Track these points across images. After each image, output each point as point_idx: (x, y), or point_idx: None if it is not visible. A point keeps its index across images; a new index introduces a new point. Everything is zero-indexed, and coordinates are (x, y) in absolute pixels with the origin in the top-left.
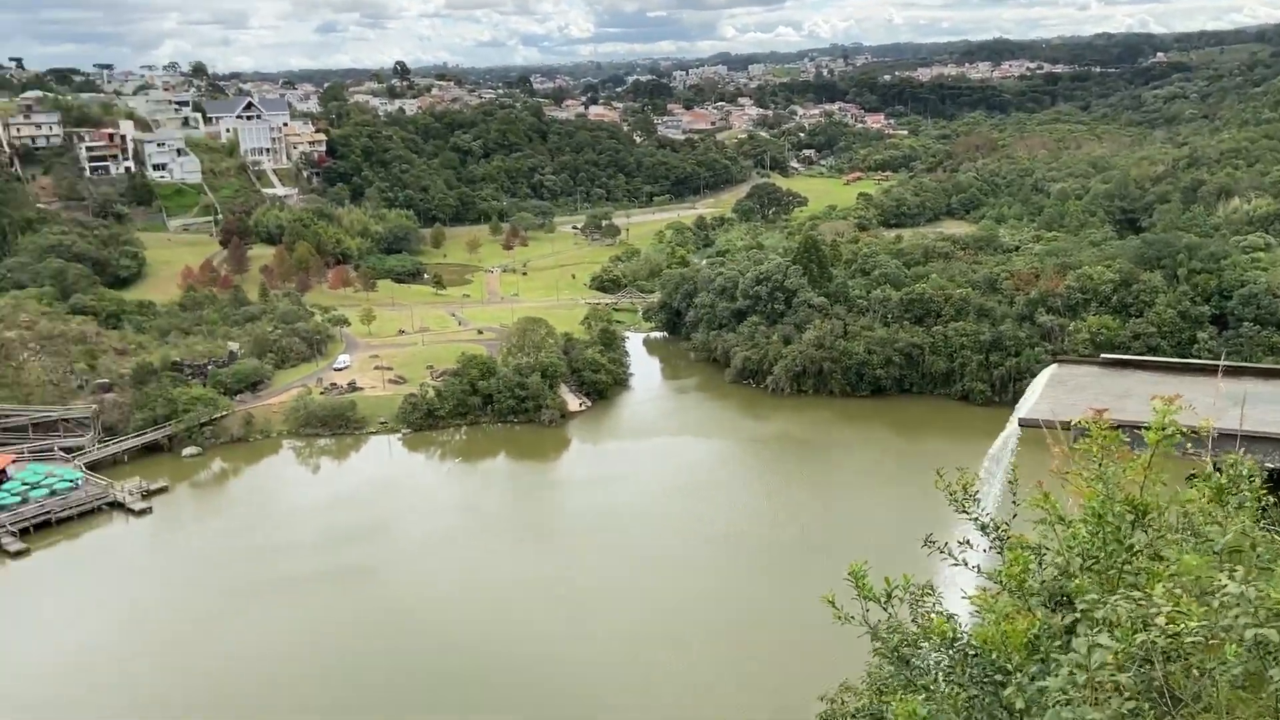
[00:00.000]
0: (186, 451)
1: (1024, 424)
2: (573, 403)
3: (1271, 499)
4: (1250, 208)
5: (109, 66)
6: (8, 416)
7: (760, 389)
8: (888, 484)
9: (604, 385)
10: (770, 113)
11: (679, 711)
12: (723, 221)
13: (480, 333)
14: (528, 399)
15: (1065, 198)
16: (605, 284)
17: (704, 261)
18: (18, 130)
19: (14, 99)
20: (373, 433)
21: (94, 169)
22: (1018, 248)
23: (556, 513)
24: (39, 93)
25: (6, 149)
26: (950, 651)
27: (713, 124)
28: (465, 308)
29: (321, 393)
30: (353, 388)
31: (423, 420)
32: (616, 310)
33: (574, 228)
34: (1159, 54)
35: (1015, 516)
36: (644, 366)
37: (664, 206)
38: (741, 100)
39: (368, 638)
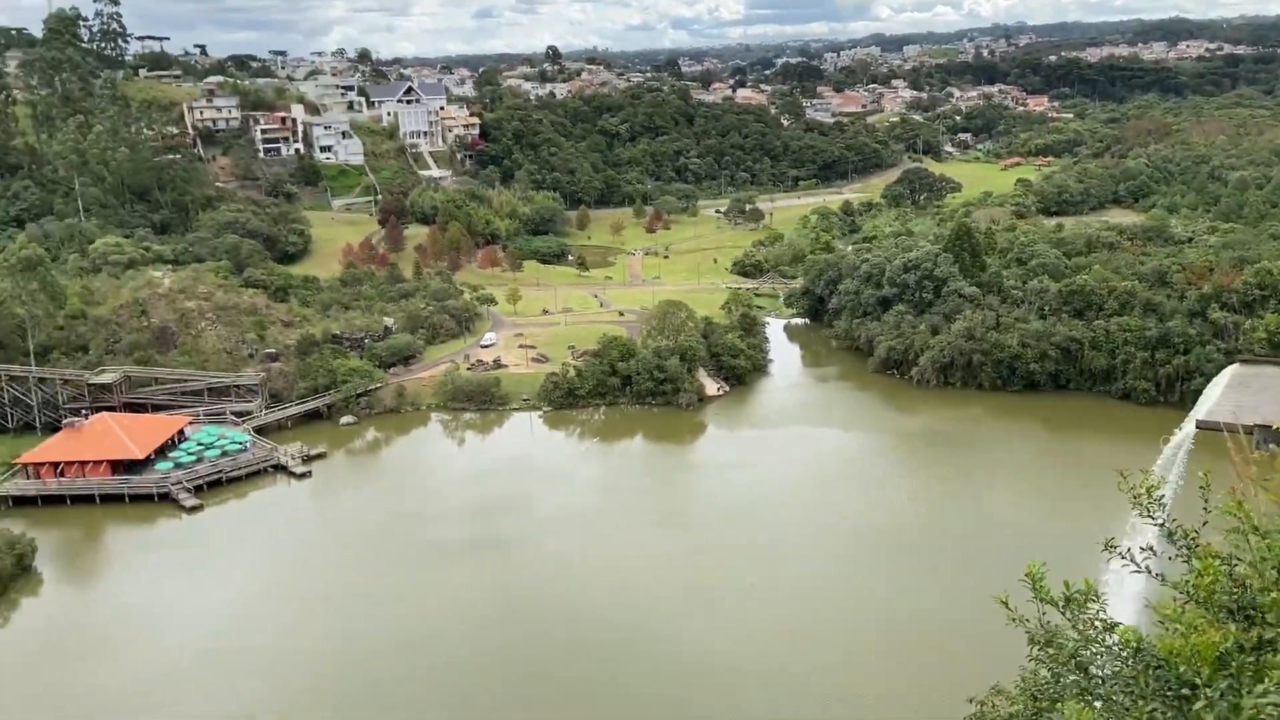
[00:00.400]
0: (343, 420)
1: (1202, 426)
2: (711, 387)
3: None
4: None
5: (283, 53)
6: (186, 381)
7: (904, 380)
8: (1040, 484)
9: (743, 370)
10: (925, 95)
11: (814, 709)
12: (870, 207)
13: (621, 314)
14: (666, 382)
15: (1245, 187)
16: (747, 269)
17: (849, 247)
18: (201, 113)
19: (198, 84)
20: (515, 409)
21: (267, 150)
22: (1190, 239)
23: (691, 496)
24: (220, 78)
25: (191, 131)
26: (1132, 661)
27: (863, 107)
28: (607, 289)
29: (468, 369)
30: (497, 365)
31: (563, 399)
32: (758, 295)
33: (717, 211)
34: None
35: (1205, 524)
36: (784, 353)
37: (810, 191)
38: (895, 82)
39: (505, 607)
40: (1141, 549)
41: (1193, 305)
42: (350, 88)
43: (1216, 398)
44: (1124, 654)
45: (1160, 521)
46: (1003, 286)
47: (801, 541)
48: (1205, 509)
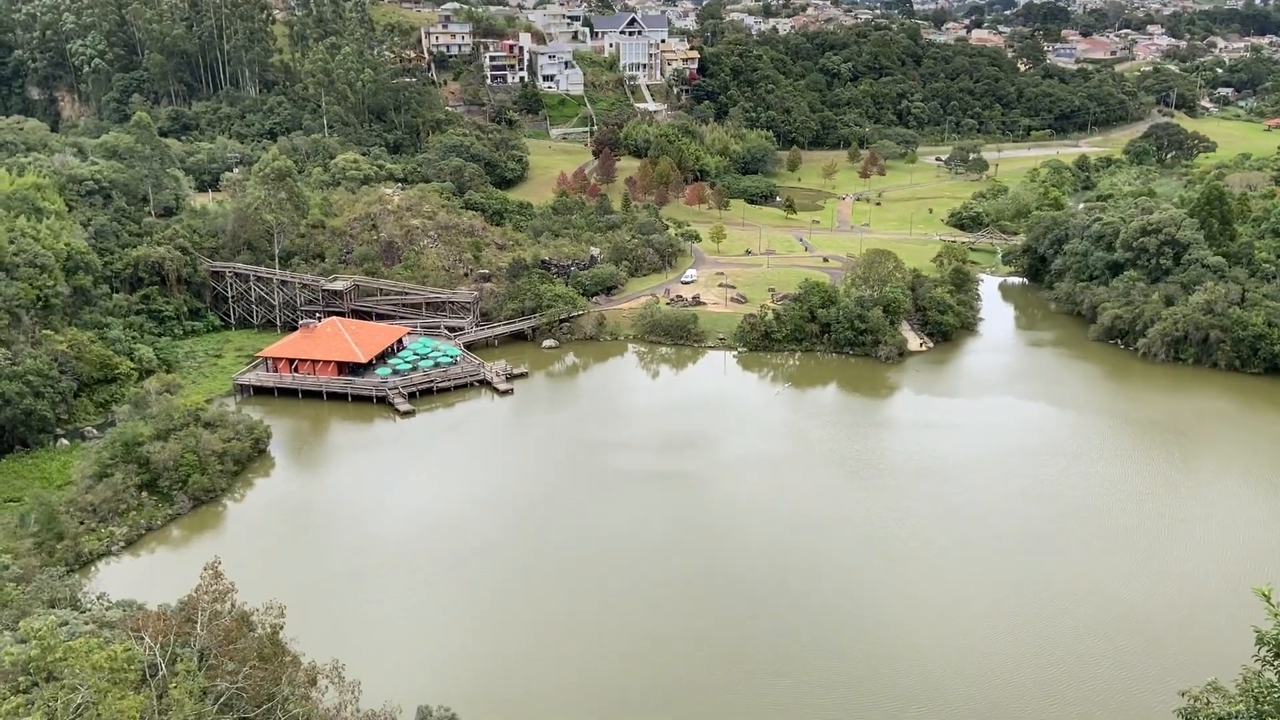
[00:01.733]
0: (546, 343)
1: None
2: (913, 341)
3: None
4: None
5: None
6: (408, 294)
7: (1129, 352)
8: (1275, 476)
9: (949, 327)
10: (1183, 44)
11: (1002, 686)
12: (1109, 163)
13: (826, 260)
14: (866, 332)
15: None
16: (964, 221)
17: (1081, 205)
18: (436, 39)
19: (435, 10)
20: (710, 347)
21: (494, 77)
22: None
23: (882, 452)
24: (455, 4)
25: (426, 55)
26: None
27: (1112, 53)
28: (813, 233)
29: (668, 303)
30: (696, 302)
31: (759, 341)
32: (973, 250)
33: (937, 159)
34: None
35: None
36: (996, 313)
37: (1042, 142)
38: (1150, 28)
39: (684, 542)
40: None
41: None
42: (576, 18)
43: None
44: None
45: None
46: (1253, 259)
47: (998, 512)
48: None
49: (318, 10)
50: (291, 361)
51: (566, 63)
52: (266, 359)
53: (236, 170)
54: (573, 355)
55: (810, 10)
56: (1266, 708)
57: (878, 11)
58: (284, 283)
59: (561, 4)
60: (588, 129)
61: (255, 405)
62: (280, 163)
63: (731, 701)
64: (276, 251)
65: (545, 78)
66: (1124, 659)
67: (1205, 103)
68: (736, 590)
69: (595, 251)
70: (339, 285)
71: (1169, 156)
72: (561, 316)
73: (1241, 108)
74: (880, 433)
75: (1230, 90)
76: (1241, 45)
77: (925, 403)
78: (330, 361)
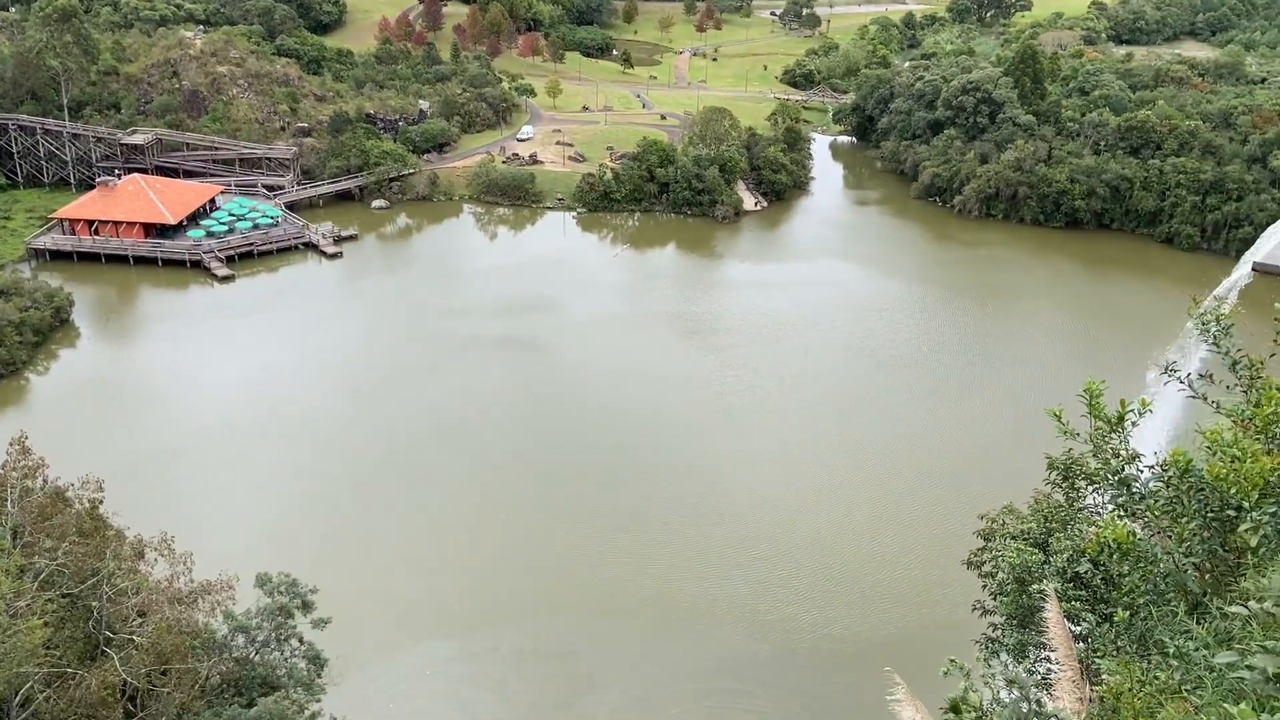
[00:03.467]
0: (375, 204)
1: (1258, 269)
2: (749, 201)
3: None
4: None
5: None
6: (218, 149)
7: (946, 209)
8: (1077, 321)
9: (783, 186)
10: None
11: (832, 525)
12: (934, 21)
13: (663, 118)
14: (704, 192)
15: None
16: (797, 79)
17: (906, 64)
18: None
19: None
20: (549, 208)
21: None
22: (1264, 80)
23: (719, 311)
24: None
25: None
26: (1177, 482)
27: None
28: (650, 90)
29: (504, 162)
30: (533, 160)
31: (598, 201)
32: (805, 109)
33: (772, 14)
34: None
35: (1274, 356)
36: (827, 171)
37: (874, 0)
38: None
39: (530, 403)
40: (1201, 376)
41: (1254, 150)
42: None
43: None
44: (1168, 475)
45: (1225, 350)
46: (1060, 117)
47: (827, 363)
48: (1277, 343)
49: None
50: (91, 223)
51: None
52: (62, 220)
53: (12, 9)
54: (405, 216)
55: None
56: (1053, 525)
57: None
58: (76, 136)
59: None
60: None
61: (53, 271)
62: (63, 1)
63: (575, 556)
64: (65, 101)
65: None
66: (936, 493)
67: None
68: (579, 450)
69: (424, 105)
70: (139, 139)
71: (989, 15)
72: (391, 175)
73: None
74: (717, 294)
75: None
76: None
77: (761, 262)
78: (135, 223)
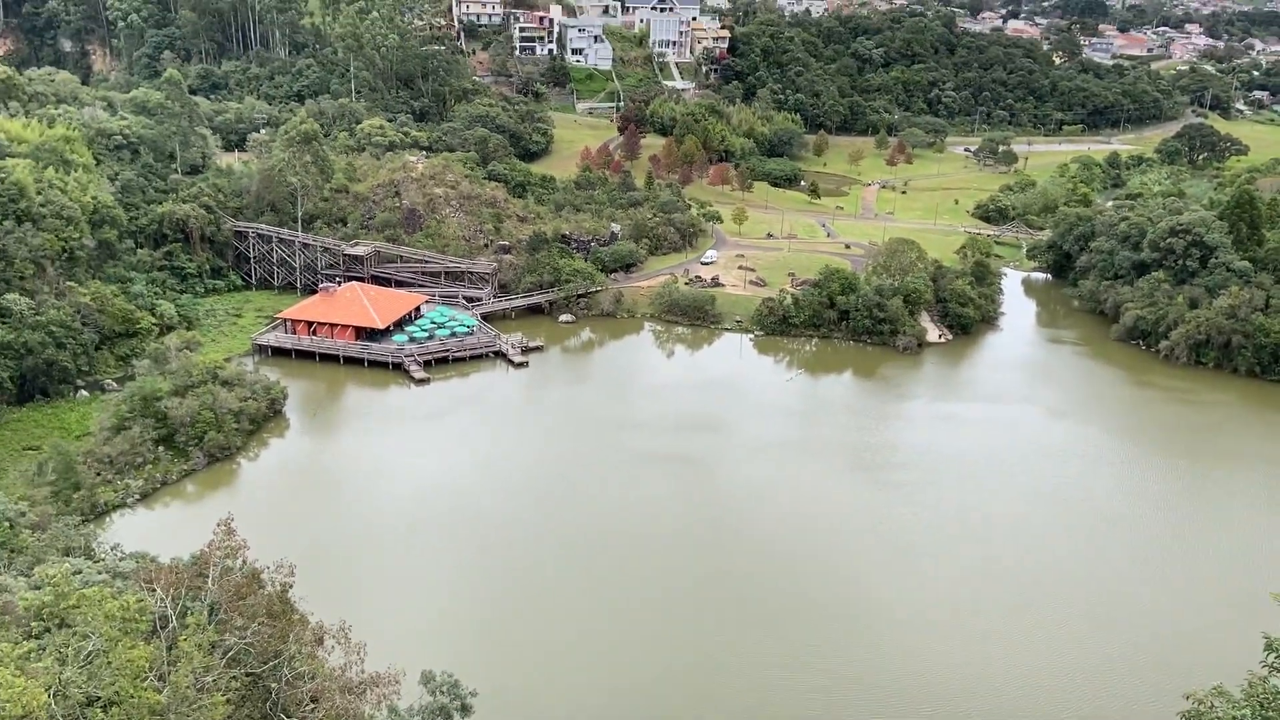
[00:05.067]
0: (563, 318)
1: None
2: (932, 333)
3: None
4: None
5: None
6: (427, 262)
7: (1150, 353)
8: None
9: (970, 320)
10: (1221, 44)
11: (1012, 688)
12: (1140, 161)
13: (848, 247)
14: (885, 321)
15: None
16: (990, 214)
17: (1109, 203)
18: (467, 8)
19: None
20: (727, 329)
21: (523, 48)
22: None
23: (894, 445)
24: None
25: (456, 24)
26: None
27: (1149, 50)
28: (836, 219)
29: (686, 283)
30: (715, 283)
31: (776, 325)
32: (998, 243)
33: (966, 150)
34: None
35: None
36: (1018, 308)
37: (1073, 137)
38: (1188, 27)
39: (693, 523)
40: None
41: None
42: None
43: None
44: None
45: None
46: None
47: (1012, 513)
48: None
49: None
50: (310, 324)
51: (596, 37)
52: (285, 320)
53: (263, 131)
54: (589, 331)
55: None
56: (1271, 714)
57: None
58: (306, 245)
59: None
60: (614, 105)
61: (272, 366)
62: (307, 125)
63: (736, 687)
64: (300, 214)
65: (574, 51)
66: (1134, 663)
67: (1240, 105)
68: (743, 579)
69: (616, 228)
70: (360, 250)
71: (1200, 158)
72: (579, 291)
73: (1276, 111)
74: (894, 425)
75: (1265, 93)
76: (1279, 48)
77: (941, 396)
78: (348, 326)
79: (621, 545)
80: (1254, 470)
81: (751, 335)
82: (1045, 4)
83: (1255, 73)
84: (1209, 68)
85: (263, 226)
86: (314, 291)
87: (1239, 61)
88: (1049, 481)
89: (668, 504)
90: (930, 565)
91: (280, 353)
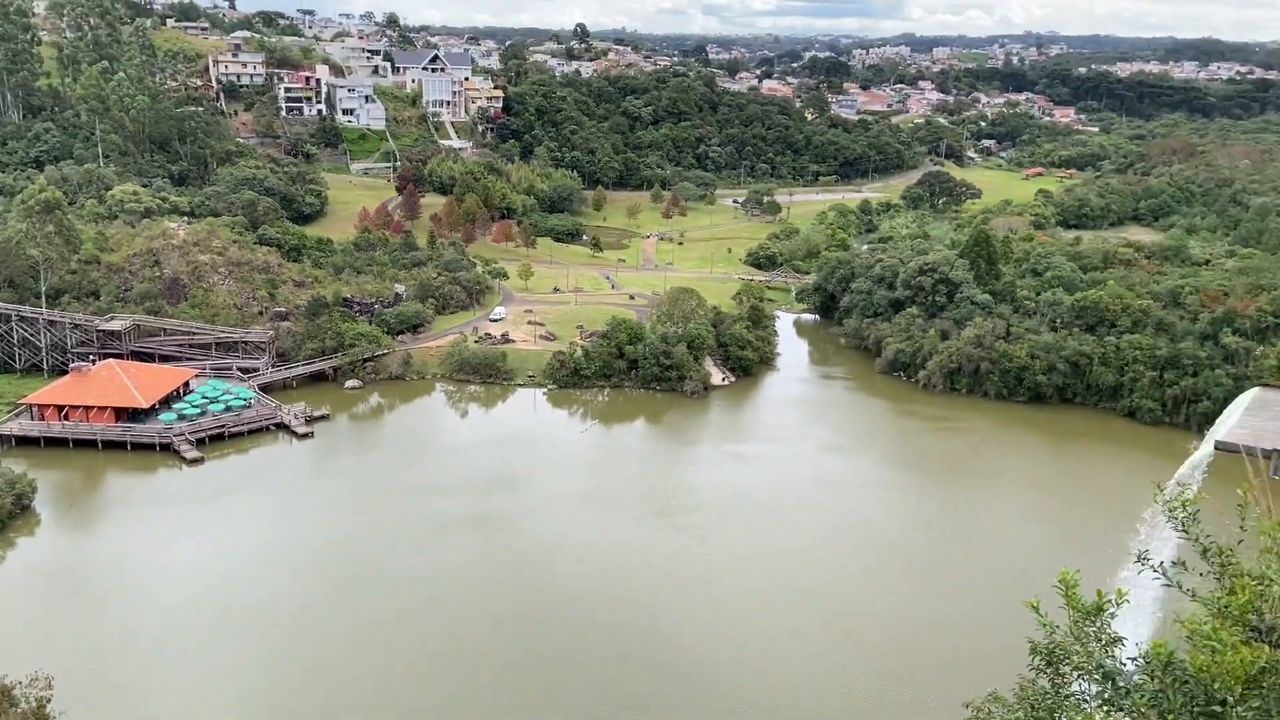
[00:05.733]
0: (349, 384)
1: (1220, 448)
2: (716, 377)
3: None
4: None
5: (310, 12)
6: (195, 334)
7: (910, 383)
8: (1046, 497)
9: (749, 362)
10: (951, 99)
11: (803, 703)
12: (889, 207)
13: (632, 298)
14: (672, 368)
15: (1266, 213)
16: (761, 261)
17: (865, 246)
18: (225, 68)
19: (224, 38)
20: (520, 385)
21: (289, 109)
22: (1207, 262)
23: (690, 487)
24: (246, 34)
25: (214, 84)
26: (1161, 675)
27: (889, 106)
28: (620, 271)
29: (476, 341)
30: (505, 339)
31: (568, 378)
32: (770, 288)
33: (734, 201)
34: None
35: (1241, 542)
36: (792, 348)
37: (829, 187)
38: (922, 84)
39: (499, 584)
40: (1174, 563)
41: (1205, 328)
42: (376, 52)
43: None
44: (1152, 667)
45: (1195, 537)
46: (1016, 296)
47: (801, 543)
48: (1242, 529)
49: (93, 34)
50: (61, 408)
51: (367, 97)
52: (31, 406)
53: None
54: (378, 396)
55: (611, 55)
56: (1041, 714)
57: (675, 59)
58: (52, 323)
59: (360, 38)
60: (390, 164)
61: (18, 457)
62: (48, 193)
63: None
64: (43, 289)
65: (345, 111)
66: (918, 677)
67: (971, 153)
68: (549, 630)
69: (400, 289)
70: (116, 325)
71: (941, 202)
72: (365, 356)
73: (1003, 158)
74: (686, 468)
75: (993, 142)
76: (1001, 101)
77: (729, 438)
78: (106, 407)
79: (421, 612)
80: (1010, 487)
81: (544, 389)
82: (795, 65)
83: (982, 123)
84: (942, 120)
85: None
86: (64, 372)
87: (967, 114)
88: (830, 512)
89: (472, 567)
90: (726, 599)
91: (27, 442)
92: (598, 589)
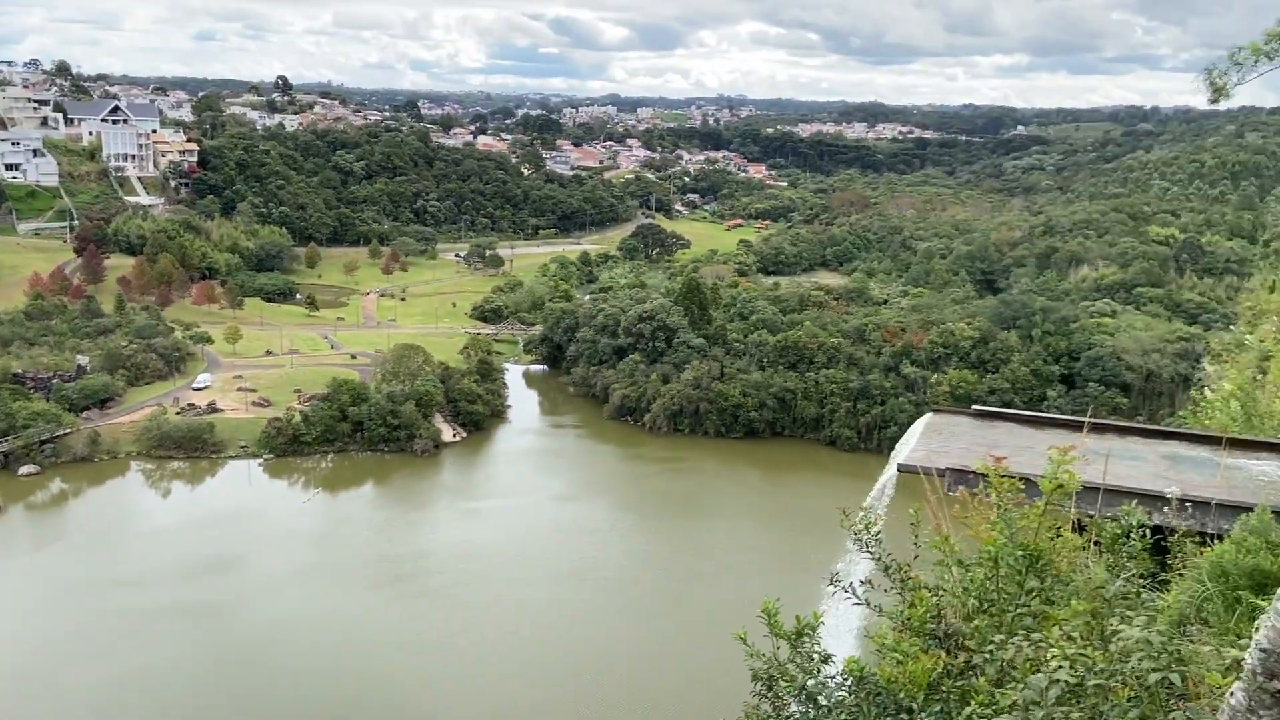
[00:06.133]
0: (23, 470)
1: (902, 469)
2: (447, 433)
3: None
4: (1098, 276)
5: None
6: None
7: (637, 427)
8: (761, 526)
9: (480, 416)
10: (657, 155)
11: None
12: (607, 259)
13: (354, 357)
14: (400, 428)
15: (930, 256)
16: (486, 314)
17: (587, 297)
18: None
19: None
20: (232, 457)
21: None
22: (886, 301)
23: (423, 549)
24: None
25: None
26: (855, 690)
27: (601, 162)
28: (339, 330)
29: (178, 413)
30: (212, 409)
31: (287, 446)
32: (497, 341)
33: (457, 256)
34: (1019, 127)
35: (916, 558)
36: (523, 399)
37: (550, 240)
38: (630, 141)
39: (216, 682)
40: (861, 582)
41: (888, 361)
42: (45, 102)
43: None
44: (848, 683)
45: (877, 556)
46: (727, 339)
47: (538, 591)
48: (915, 544)
49: None
50: None
51: (35, 150)
52: None
53: None
54: (60, 481)
55: (318, 108)
56: None
57: (387, 114)
58: None
59: (25, 86)
60: (67, 224)
61: None
62: None
63: None
64: None
65: (9, 166)
66: (657, 709)
67: (679, 206)
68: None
69: (83, 360)
70: None
71: (654, 253)
72: (42, 437)
73: (707, 210)
74: (422, 530)
75: (697, 195)
76: (701, 158)
77: (464, 494)
78: None
79: None
80: (734, 520)
81: (260, 460)
82: (508, 121)
83: (686, 178)
84: (650, 175)
85: None
86: None
87: (673, 170)
88: (567, 560)
89: (178, 665)
90: (463, 659)
91: None
92: (328, 667)
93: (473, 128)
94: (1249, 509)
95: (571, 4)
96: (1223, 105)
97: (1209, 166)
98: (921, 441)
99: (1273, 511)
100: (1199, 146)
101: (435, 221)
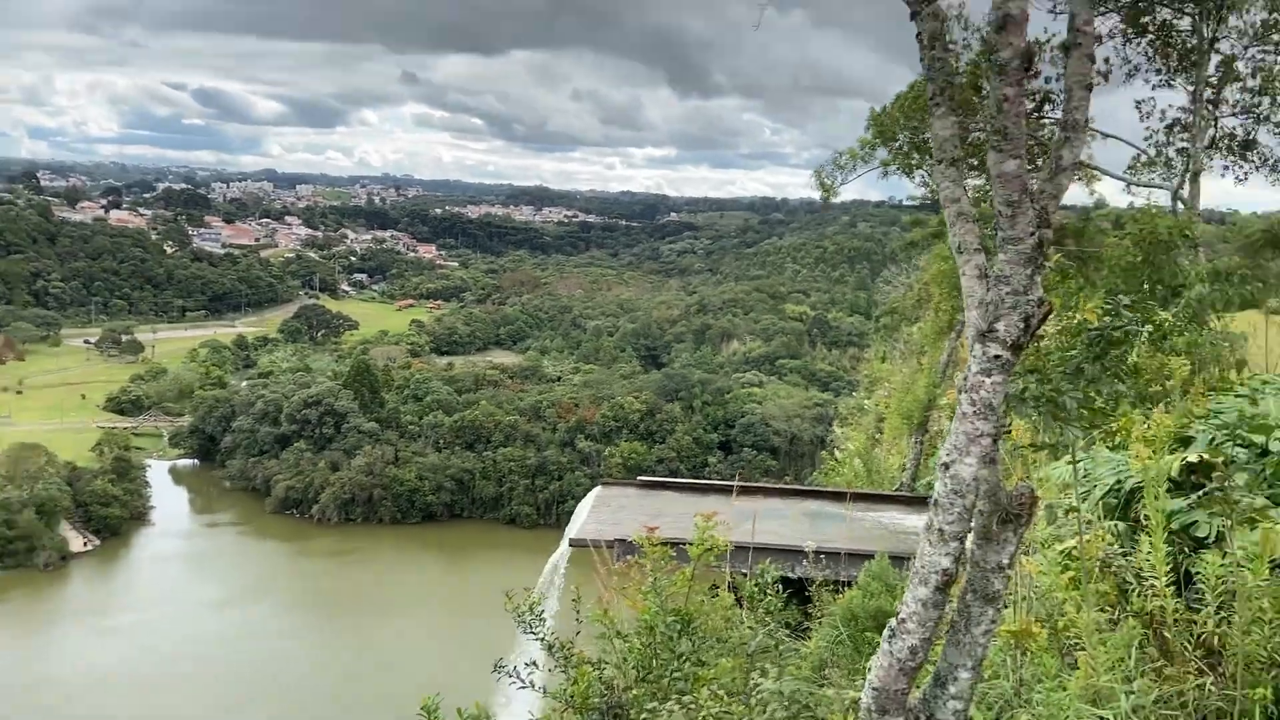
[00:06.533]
0: None
1: (574, 544)
2: (76, 542)
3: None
4: (746, 349)
5: None
6: None
7: (305, 519)
8: (438, 614)
9: (116, 520)
10: (320, 234)
11: None
12: (266, 342)
13: None
14: (18, 539)
15: (599, 334)
16: (124, 405)
17: (244, 383)
18: None
19: None
20: None
21: None
22: (559, 378)
23: (55, 680)
24: None
25: None
26: None
27: (257, 240)
28: None
29: None
30: None
31: None
32: (136, 435)
33: (87, 341)
34: (672, 214)
35: (579, 634)
36: (169, 498)
37: (199, 324)
38: (289, 219)
39: None
40: (526, 665)
41: (563, 436)
42: None
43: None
44: None
45: (540, 636)
46: (401, 422)
47: (187, 712)
48: (578, 619)
49: None
50: None
51: None
52: None
53: None
54: None
55: None
56: None
57: (0, 185)
58: None
59: None
60: None
61: None
62: None
63: None
64: None
65: None
66: None
67: (345, 286)
68: None
69: None
70: None
71: (320, 334)
72: None
73: (375, 291)
74: (46, 656)
75: (364, 275)
76: (368, 237)
77: (99, 611)
78: None
79: None
80: (414, 610)
81: None
82: (147, 195)
83: (353, 258)
84: (313, 255)
85: None
86: None
87: (337, 249)
88: (241, 670)
89: None
90: None
91: None
92: None
93: (104, 201)
94: (870, 556)
95: (217, 76)
96: (836, 200)
97: (830, 252)
98: (592, 515)
99: (890, 556)
100: (822, 235)
101: (59, 304)
